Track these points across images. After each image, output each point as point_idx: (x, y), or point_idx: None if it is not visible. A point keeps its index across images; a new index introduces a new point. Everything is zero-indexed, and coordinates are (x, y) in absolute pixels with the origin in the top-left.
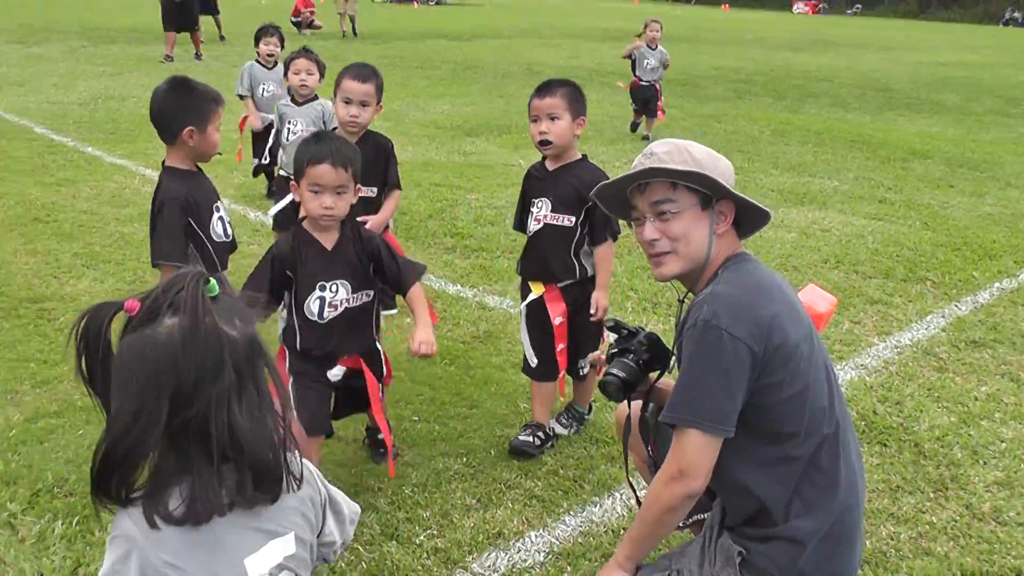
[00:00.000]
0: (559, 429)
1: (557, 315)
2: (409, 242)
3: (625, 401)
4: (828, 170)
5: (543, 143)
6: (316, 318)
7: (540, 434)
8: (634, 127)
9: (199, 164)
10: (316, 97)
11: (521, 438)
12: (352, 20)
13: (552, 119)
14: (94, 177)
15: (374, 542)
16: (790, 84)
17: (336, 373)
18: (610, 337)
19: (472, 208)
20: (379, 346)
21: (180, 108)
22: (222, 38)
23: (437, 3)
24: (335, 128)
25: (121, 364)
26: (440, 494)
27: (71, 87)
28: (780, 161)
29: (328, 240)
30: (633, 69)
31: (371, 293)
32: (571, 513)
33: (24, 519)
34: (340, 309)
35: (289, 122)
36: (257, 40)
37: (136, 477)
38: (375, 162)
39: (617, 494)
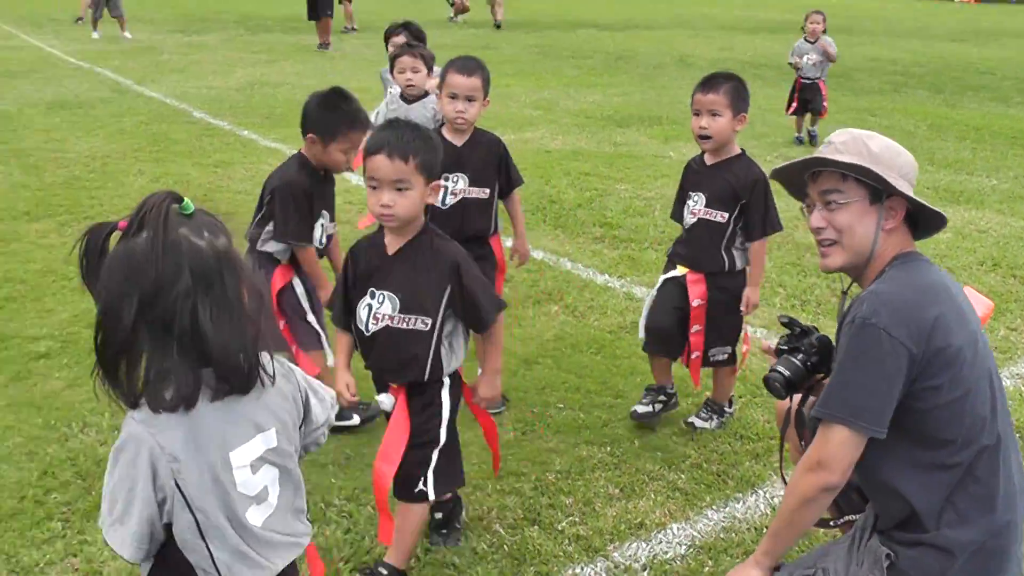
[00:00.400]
0: (699, 423)
1: (696, 297)
2: (558, 230)
3: None
4: (987, 168)
5: (702, 138)
6: (362, 327)
7: (661, 398)
8: (799, 139)
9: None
10: (427, 94)
11: (640, 410)
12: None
13: (713, 115)
14: (249, 159)
15: (517, 526)
16: (949, 77)
17: (384, 400)
18: (760, 336)
19: (622, 199)
20: (444, 395)
21: (316, 117)
22: (348, 29)
23: None
24: (442, 124)
25: (104, 269)
26: (583, 482)
27: (228, 73)
28: (936, 157)
29: (393, 244)
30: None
31: (428, 322)
32: (714, 508)
33: None
34: (380, 325)
35: None
36: (386, 41)
37: (138, 373)
38: (487, 162)
39: (761, 492)
